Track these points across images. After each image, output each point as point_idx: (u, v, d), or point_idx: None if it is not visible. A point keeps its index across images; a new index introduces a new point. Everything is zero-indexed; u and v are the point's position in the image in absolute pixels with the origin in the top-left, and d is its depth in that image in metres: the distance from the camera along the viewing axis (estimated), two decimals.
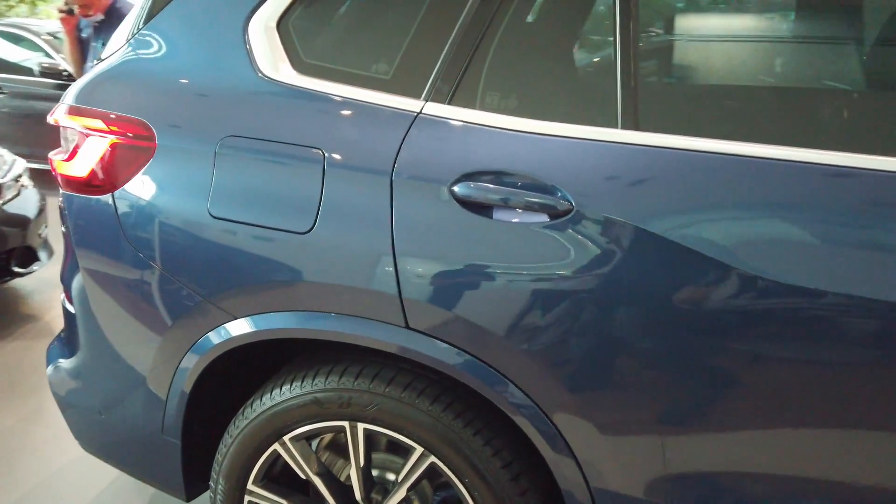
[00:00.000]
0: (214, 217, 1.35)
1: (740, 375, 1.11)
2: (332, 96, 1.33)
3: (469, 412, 1.31)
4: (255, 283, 1.33)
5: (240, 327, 1.36)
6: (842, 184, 1.07)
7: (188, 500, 1.61)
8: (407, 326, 1.26)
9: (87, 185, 1.49)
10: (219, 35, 1.44)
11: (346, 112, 1.33)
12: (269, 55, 1.38)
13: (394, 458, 1.49)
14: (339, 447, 1.56)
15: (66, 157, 1.53)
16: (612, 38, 1.21)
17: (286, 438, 1.41)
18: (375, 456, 1.49)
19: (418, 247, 1.23)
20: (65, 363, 1.66)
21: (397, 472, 1.45)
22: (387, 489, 1.45)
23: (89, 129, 1.48)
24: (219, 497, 1.50)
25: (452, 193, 1.21)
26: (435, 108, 1.27)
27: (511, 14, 1.28)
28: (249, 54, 1.39)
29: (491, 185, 1.20)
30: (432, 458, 1.32)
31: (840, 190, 1.07)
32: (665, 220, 1.11)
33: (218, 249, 1.36)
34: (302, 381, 1.38)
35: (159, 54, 1.49)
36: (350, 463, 1.40)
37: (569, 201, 1.15)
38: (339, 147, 1.29)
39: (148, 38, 1.50)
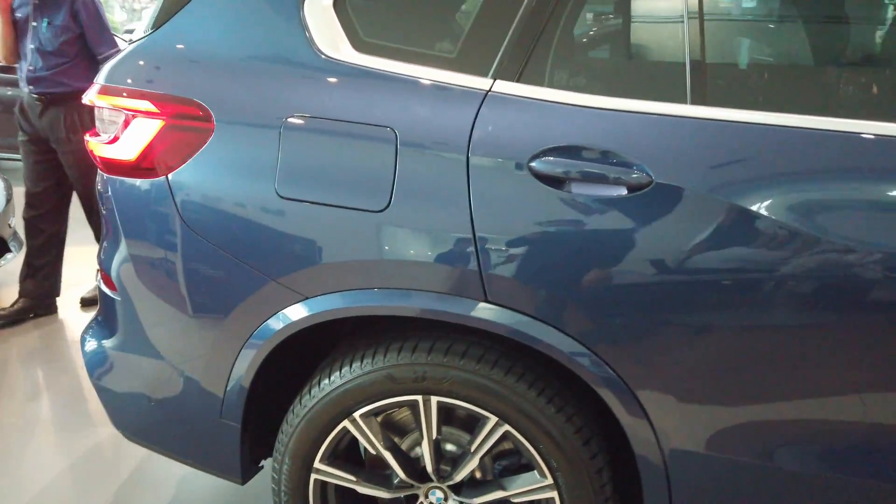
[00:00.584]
0: (283, 198, 1.35)
1: (811, 347, 1.20)
2: (399, 75, 1.34)
3: (541, 381, 1.36)
4: (330, 261, 1.34)
5: (311, 307, 1.37)
6: None
7: (244, 483, 1.60)
8: (486, 300, 1.29)
9: (136, 168, 1.46)
10: (273, 15, 1.43)
11: (414, 91, 1.34)
12: (328, 35, 1.38)
13: (456, 430, 1.52)
14: (393, 425, 1.58)
15: (109, 139, 1.49)
16: (680, 17, 1.27)
17: (356, 415, 1.42)
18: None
19: (497, 222, 1.26)
20: (107, 347, 1.63)
21: (458, 444, 1.49)
22: (454, 460, 1.48)
23: (135, 110, 1.45)
24: (283, 477, 1.51)
25: (531, 169, 1.25)
26: (504, 86, 1.30)
27: None
28: (307, 34, 1.39)
29: (570, 160, 1.24)
30: (506, 427, 1.36)
31: None
32: (739, 192, 1.17)
33: (288, 230, 1.36)
34: (373, 358, 1.39)
35: (209, 34, 1.46)
36: (422, 436, 1.43)
37: (648, 174, 1.20)
38: (411, 126, 1.31)
39: (193, 18, 1.47)
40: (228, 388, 1.49)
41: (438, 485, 1.48)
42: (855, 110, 1.21)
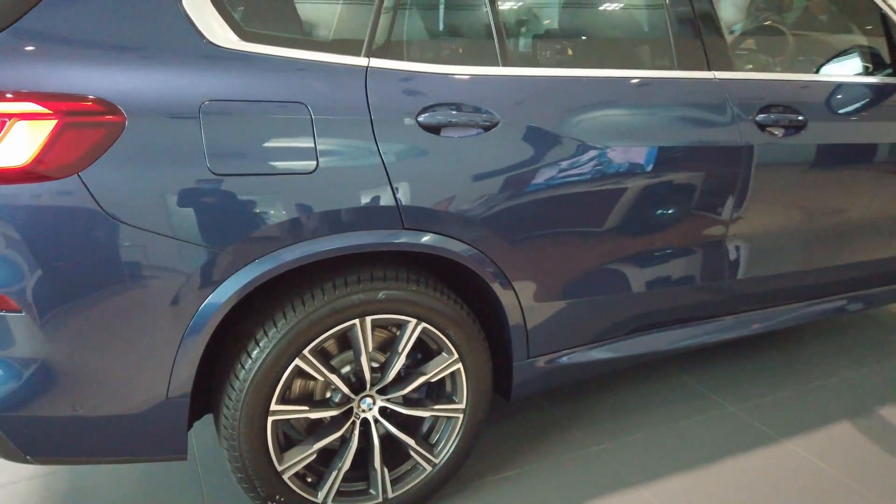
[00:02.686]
0: (218, 174, 1.50)
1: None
2: (288, 58, 1.60)
3: (440, 286, 1.80)
4: (274, 222, 1.54)
5: (268, 263, 1.56)
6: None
7: (187, 458, 1.68)
8: (404, 227, 1.67)
9: (28, 173, 1.40)
10: (154, 6, 1.51)
11: (307, 70, 1.61)
12: (214, 26, 1.55)
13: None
14: (325, 353, 1.81)
15: None
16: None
17: (306, 351, 1.66)
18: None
19: (403, 166, 1.65)
20: (10, 373, 1.50)
21: (376, 360, 1.84)
22: (380, 370, 1.83)
23: (12, 113, 1.39)
24: (241, 429, 1.64)
25: (419, 123, 1.66)
26: (378, 63, 1.67)
27: None
28: (193, 26, 1.53)
29: (442, 113, 1.69)
30: (423, 325, 1.78)
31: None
32: (551, 123, 1.79)
33: (229, 202, 1.51)
34: (313, 298, 1.65)
35: (85, 28, 1.47)
36: (359, 352, 1.74)
37: (495, 116, 1.73)
38: (318, 100, 1.59)
39: (62, 11, 1.46)
40: (175, 365, 1.56)
41: (368, 393, 1.81)
42: (600, 62, 1.93)
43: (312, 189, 1.58)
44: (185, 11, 1.53)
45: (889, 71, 2.53)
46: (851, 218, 2.45)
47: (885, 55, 2.54)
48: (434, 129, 1.68)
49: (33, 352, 1.50)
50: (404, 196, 1.66)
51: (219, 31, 1.55)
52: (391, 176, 1.64)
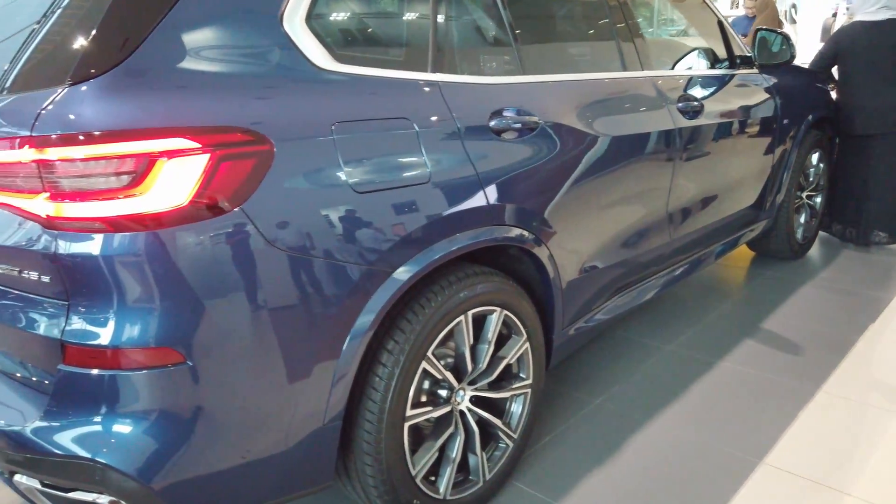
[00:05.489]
0: (361, 192, 1.54)
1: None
2: (380, 77, 1.68)
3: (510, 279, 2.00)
4: (410, 230, 1.62)
5: (411, 268, 1.64)
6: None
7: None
8: (496, 223, 1.84)
9: (190, 211, 1.33)
10: (258, 31, 1.50)
11: (397, 87, 1.71)
12: (314, 49, 1.58)
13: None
14: None
15: (124, 188, 1.29)
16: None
17: (429, 353, 1.75)
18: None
19: (486, 167, 1.82)
20: (172, 433, 1.37)
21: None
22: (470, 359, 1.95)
23: (161, 151, 1.31)
24: (383, 440, 1.67)
25: (490, 128, 1.85)
26: (445, 76, 1.82)
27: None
28: (298, 50, 1.55)
29: (502, 118, 1.89)
30: (506, 313, 1.95)
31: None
32: (571, 120, 2.09)
33: (372, 217, 1.56)
34: (430, 301, 1.74)
35: (199, 57, 1.41)
36: (463, 346, 1.86)
37: (537, 119, 1.98)
38: (417, 114, 1.70)
39: (168, 42, 1.39)
40: (333, 388, 1.56)
41: (461, 386, 1.93)
42: (588, 68, 2.27)
43: (430, 196, 1.68)
44: (287, 35, 1.54)
45: (726, 64, 3.24)
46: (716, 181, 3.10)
47: (721, 52, 3.25)
48: (498, 133, 1.87)
49: (201, 404, 1.40)
50: (492, 194, 1.82)
51: (318, 55, 1.58)
52: (480, 177, 1.80)
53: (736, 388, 2.66)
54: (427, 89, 1.77)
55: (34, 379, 1.48)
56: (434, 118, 1.74)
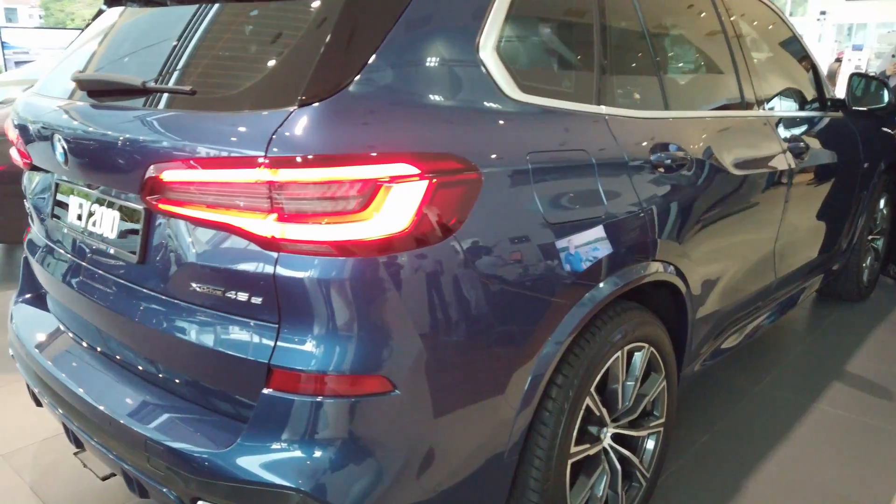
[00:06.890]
0: (552, 223, 1.52)
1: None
2: (559, 108, 1.68)
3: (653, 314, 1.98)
4: (592, 262, 1.60)
5: (590, 302, 1.62)
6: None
7: None
8: (653, 259, 1.83)
9: (406, 239, 1.31)
10: (459, 58, 1.49)
11: (573, 118, 1.70)
12: (506, 79, 1.57)
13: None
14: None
15: (351, 212, 1.26)
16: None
17: (591, 389, 1.72)
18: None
19: (651, 200, 1.81)
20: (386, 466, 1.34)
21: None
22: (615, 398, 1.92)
23: (389, 177, 1.29)
24: (550, 480, 1.63)
25: (650, 162, 1.84)
26: (610, 110, 1.82)
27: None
28: (493, 79, 1.54)
29: (658, 153, 1.89)
30: (651, 349, 1.93)
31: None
32: (710, 156, 2.09)
33: (563, 248, 1.55)
34: (594, 337, 1.71)
35: (407, 84, 1.40)
36: (618, 381, 1.83)
37: (686, 154, 1.98)
38: (592, 146, 1.69)
39: (383, 67, 1.37)
40: (516, 421, 1.52)
41: (607, 423, 1.90)
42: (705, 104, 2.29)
43: (608, 229, 1.67)
44: (483, 64, 1.53)
45: (817, 105, 3.26)
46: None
47: (811, 93, 3.27)
48: (656, 167, 1.87)
49: (406, 434, 1.37)
50: (655, 229, 1.81)
51: (507, 84, 1.57)
52: (646, 212, 1.79)
53: (837, 431, 2.65)
54: (596, 122, 1.76)
55: (226, 404, 1.44)
56: (605, 151, 1.73)
